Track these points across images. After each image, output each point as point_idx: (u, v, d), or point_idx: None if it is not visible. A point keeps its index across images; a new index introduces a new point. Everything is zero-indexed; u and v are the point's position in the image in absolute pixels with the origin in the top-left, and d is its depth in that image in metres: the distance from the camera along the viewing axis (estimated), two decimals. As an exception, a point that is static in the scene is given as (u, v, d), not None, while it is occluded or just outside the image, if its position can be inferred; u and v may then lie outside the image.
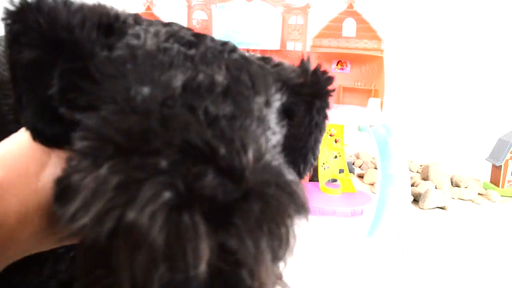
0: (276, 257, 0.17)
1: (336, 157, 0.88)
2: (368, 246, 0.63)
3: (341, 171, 0.88)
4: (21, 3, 0.18)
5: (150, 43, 0.19)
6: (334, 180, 0.91)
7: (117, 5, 0.23)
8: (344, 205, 0.80)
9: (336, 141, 0.86)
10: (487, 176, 1.08)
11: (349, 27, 0.84)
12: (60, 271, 0.29)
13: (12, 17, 0.18)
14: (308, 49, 0.87)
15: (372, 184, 0.96)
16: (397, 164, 0.70)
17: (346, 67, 0.87)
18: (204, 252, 0.14)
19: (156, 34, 0.19)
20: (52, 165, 0.24)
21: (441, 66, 1.36)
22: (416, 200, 0.91)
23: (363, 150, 1.26)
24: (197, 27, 0.89)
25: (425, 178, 1.04)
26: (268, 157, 0.17)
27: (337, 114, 0.75)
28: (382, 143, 0.72)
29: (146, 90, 0.17)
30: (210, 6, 0.75)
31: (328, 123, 0.59)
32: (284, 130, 0.21)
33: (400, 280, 0.53)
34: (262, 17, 0.80)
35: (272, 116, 0.20)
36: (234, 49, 0.20)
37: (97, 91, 0.18)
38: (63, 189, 0.17)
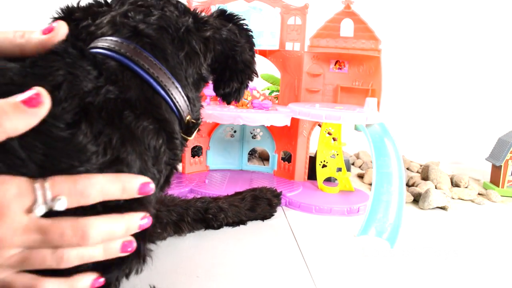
0: None
1: (333, 155, 0.88)
2: (363, 245, 0.64)
3: (338, 169, 0.88)
4: None
5: None
6: (335, 179, 0.91)
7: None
8: (341, 203, 0.80)
9: (334, 140, 0.87)
10: (487, 176, 1.07)
11: (347, 28, 0.84)
12: None
13: None
14: (306, 49, 0.88)
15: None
16: (394, 163, 0.70)
17: (344, 67, 0.88)
18: None
19: None
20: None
21: (440, 65, 1.36)
22: (416, 200, 0.91)
23: (363, 150, 1.26)
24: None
25: (425, 178, 1.03)
26: None
27: (335, 113, 0.75)
28: (378, 141, 0.73)
29: None
30: (210, 7, 0.76)
31: (326, 122, 0.68)
32: None
33: (399, 280, 0.53)
34: (261, 17, 0.80)
35: None
36: None
37: None
38: None
